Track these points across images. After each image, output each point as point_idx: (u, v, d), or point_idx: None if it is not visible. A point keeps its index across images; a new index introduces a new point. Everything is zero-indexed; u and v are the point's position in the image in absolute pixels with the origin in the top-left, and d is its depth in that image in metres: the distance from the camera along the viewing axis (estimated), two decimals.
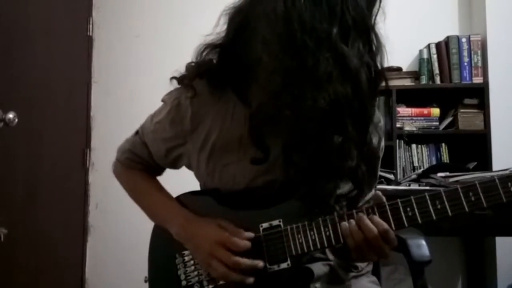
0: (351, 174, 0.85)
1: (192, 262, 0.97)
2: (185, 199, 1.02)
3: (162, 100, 1.02)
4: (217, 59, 0.93)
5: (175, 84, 1.00)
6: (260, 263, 0.87)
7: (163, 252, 1.02)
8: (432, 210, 0.84)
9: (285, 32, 0.77)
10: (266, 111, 0.83)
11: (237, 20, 0.88)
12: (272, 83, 0.79)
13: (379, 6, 0.84)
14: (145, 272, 1.06)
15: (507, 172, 1.82)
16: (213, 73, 0.93)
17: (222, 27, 0.91)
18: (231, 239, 0.88)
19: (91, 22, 2.68)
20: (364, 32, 0.80)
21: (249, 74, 0.88)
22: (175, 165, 1.06)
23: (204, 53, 0.93)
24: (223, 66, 0.92)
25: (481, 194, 0.82)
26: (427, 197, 0.84)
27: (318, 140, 0.81)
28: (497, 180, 0.81)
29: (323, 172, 0.84)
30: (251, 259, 0.87)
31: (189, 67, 0.97)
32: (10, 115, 1.63)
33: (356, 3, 0.79)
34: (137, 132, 1.09)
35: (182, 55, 0.96)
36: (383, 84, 0.84)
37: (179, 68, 0.99)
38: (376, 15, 0.84)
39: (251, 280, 0.87)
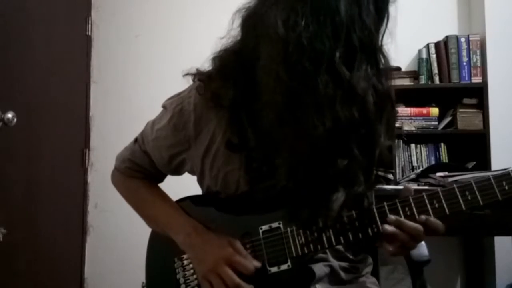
0: (357, 200, 0.84)
1: (191, 266, 0.97)
2: (184, 206, 1.02)
3: (163, 106, 1.01)
4: (229, 66, 0.88)
5: (174, 85, 0.98)
6: None
7: (162, 256, 1.02)
8: (430, 210, 0.86)
9: (283, 53, 0.74)
10: (269, 126, 0.81)
11: (249, 24, 0.85)
12: (273, 102, 0.77)
13: (386, 26, 0.82)
14: (144, 271, 1.06)
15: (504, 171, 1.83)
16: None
17: (236, 30, 0.88)
18: (240, 260, 0.88)
19: (90, 22, 2.67)
20: (371, 54, 0.78)
21: (255, 86, 0.84)
22: (178, 171, 1.05)
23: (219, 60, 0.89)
24: (234, 75, 0.87)
25: (477, 193, 0.85)
26: (425, 197, 0.87)
27: (320, 162, 0.79)
28: (492, 179, 0.84)
29: (325, 189, 0.83)
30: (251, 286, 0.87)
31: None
32: (9, 115, 1.63)
33: (363, 23, 0.76)
34: (136, 140, 1.07)
35: (181, 54, 0.95)
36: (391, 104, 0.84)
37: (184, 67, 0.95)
38: (383, 35, 0.82)
39: None
